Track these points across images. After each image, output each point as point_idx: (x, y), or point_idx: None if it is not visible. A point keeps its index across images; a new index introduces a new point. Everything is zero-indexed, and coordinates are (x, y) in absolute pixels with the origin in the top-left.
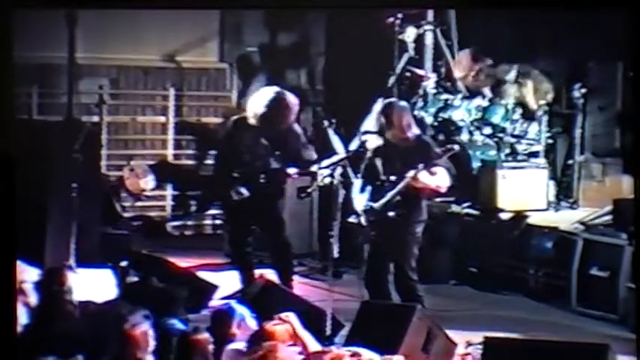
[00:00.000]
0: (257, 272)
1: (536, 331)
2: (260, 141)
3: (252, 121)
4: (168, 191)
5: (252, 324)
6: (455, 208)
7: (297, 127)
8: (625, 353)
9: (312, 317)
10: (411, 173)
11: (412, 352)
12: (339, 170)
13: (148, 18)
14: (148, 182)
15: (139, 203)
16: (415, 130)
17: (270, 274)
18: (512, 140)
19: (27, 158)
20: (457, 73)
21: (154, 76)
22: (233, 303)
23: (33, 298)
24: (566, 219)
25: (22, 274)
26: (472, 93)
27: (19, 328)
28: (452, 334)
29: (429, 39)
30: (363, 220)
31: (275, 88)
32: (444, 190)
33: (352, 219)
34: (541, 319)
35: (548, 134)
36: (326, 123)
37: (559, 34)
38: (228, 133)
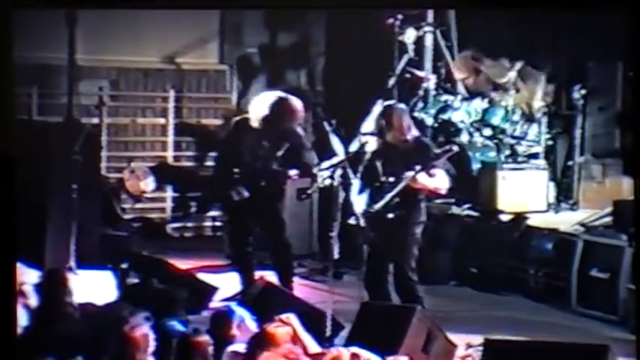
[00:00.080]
0: (257, 274)
1: (536, 332)
2: (262, 142)
3: (255, 124)
4: (169, 193)
5: (252, 326)
6: (455, 209)
7: (299, 129)
8: (625, 354)
9: (312, 318)
10: (409, 174)
11: (412, 353)
12: (339, 171)
13: (148, 18)
14: (148, 184)
15: (139, 205)
16: (414, 132)
17: (270, 276)
18: (512, 141)
19: (27, 158)
20: (457, 75)
21: (153, 78)
22: (233, 305)
23: (33, 300)
24: (566, 220)
25: (22, 275)
26: (472, 94)
27: (19, 330)
28: (452, 335)
29: (428, 40)
30: (362, 221)
31: (279, 93)
32: (443, 191)
33: (351, 220)
34: (541, 320)
35: (548, 135)
36: (328, 127)
37: (559, 34)
38: (229, 134)
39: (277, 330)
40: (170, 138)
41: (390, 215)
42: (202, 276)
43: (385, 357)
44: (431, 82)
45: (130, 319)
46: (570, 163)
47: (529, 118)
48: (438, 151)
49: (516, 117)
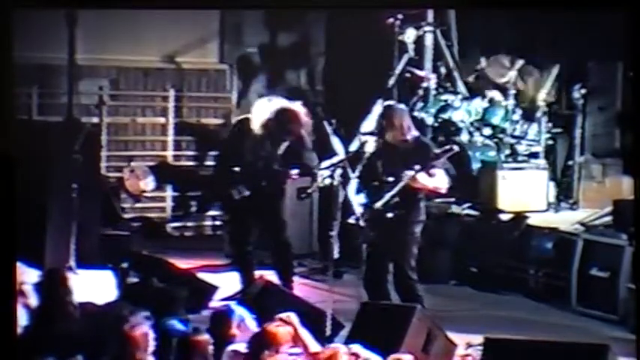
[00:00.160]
0: (257, 273)
1: (536, 332)
2: (263, 143)
3: (258, 131)
4: (168, 192)
5: (252, 325)
6: (455, 208)
7: (303, 133)
8: (625, 354)
9: (312, 318)
10: (409, 174)
11: (412, 352)
12: (339, 171)
13: (148, 18)
14: (148, 183)
15: (139, 204)
16: (414, 132)
17: (270, 275)
18: (512, 141)
19: (27, 158)
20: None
21: (153, 77)
22: (233, 304)
23: (33, 300)
24: (566, 220)
25: (22, 275)
26: (472, 94)
27: (19, 330)
28: (452, 334)
29: (428, 40)
30: (361, 220)
31: (283, 101)
32: (442, 191)
33: (351, 220)
34: (541, 320)
35: (548, 135)
36: (328, 128)
37: (559, 34)
38: (231, 134)
39: (278, 329)
40: (170, 137)
41: (390, 214)
42: (202, 275)
43: (385, 357)
44: (431, 82)
45: (130, 319)
46: (570, 162)
47: (529, 117)
48: (438, 151)
49: (516, 116)
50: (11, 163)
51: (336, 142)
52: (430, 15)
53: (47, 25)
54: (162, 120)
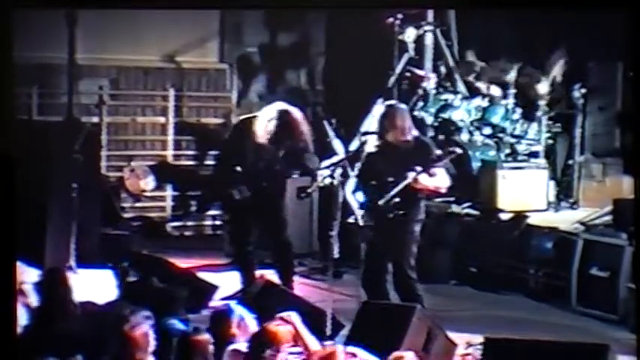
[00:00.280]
0: (257, 273)
1: (536, 332)
2: (265, 145)
3: (261, 135)
4: (168, 192)
5: (252, 324)
6: (455, 208)
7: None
8: (625, 353)
9: (312, 317)
10: (411, 176)
11: (413, 351)
12: (339, 171)
13: (148, 18)
14: (148, 183)
15: (139, 204)
16: (414, 132)
17: (271, 275)
18: (512, 140)
19: (27, 158)
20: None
21: (153, 77)
22: (233, 303)
23: (33, 299)
24: (566, 219)
25: (22, 274)
26: (472, 93)
27: (19, 329)
28: (452, 334)
29: (429, 39)
30: (360, 220)
31: (284, 106)
32: (443, 190)
33: (350, 219)
34: (541, 320)
35: (548, 134)
36: (328, 128)
37: (559, 34)
38: (232, 134)
39: (279, 328)
40: (170, 137)
41: (390, 214)
42: (202, 275)
43: (385, 356)
44: (431, 81)
45: (131, 318)
46: (570, 162)
47: (529, 117)
48: (440, 152)
49: (516, 116)
50: (11, 163)
51: (336, 142)
52: (430, 15)
53: (47, 25)
54: (162, 119)
